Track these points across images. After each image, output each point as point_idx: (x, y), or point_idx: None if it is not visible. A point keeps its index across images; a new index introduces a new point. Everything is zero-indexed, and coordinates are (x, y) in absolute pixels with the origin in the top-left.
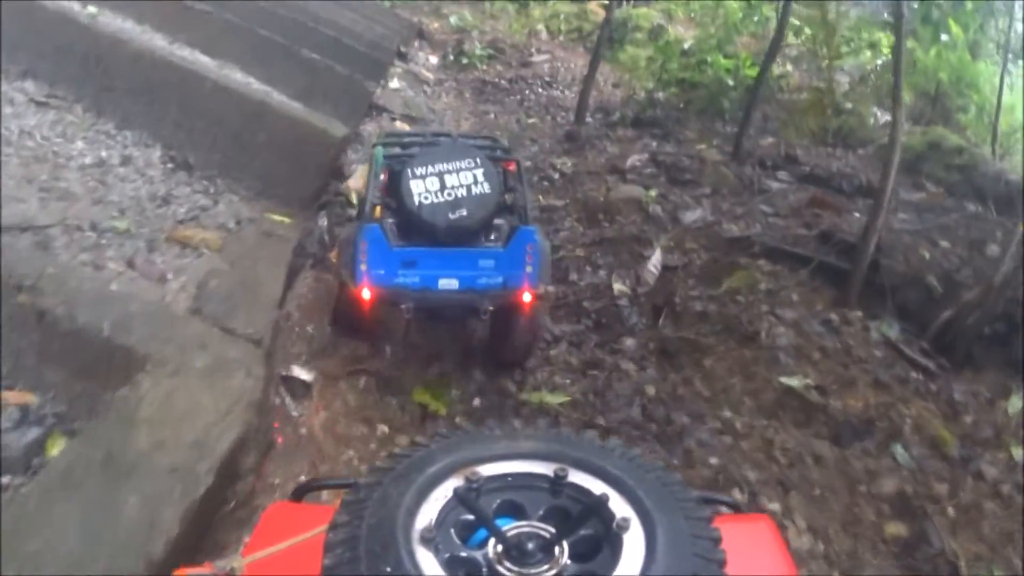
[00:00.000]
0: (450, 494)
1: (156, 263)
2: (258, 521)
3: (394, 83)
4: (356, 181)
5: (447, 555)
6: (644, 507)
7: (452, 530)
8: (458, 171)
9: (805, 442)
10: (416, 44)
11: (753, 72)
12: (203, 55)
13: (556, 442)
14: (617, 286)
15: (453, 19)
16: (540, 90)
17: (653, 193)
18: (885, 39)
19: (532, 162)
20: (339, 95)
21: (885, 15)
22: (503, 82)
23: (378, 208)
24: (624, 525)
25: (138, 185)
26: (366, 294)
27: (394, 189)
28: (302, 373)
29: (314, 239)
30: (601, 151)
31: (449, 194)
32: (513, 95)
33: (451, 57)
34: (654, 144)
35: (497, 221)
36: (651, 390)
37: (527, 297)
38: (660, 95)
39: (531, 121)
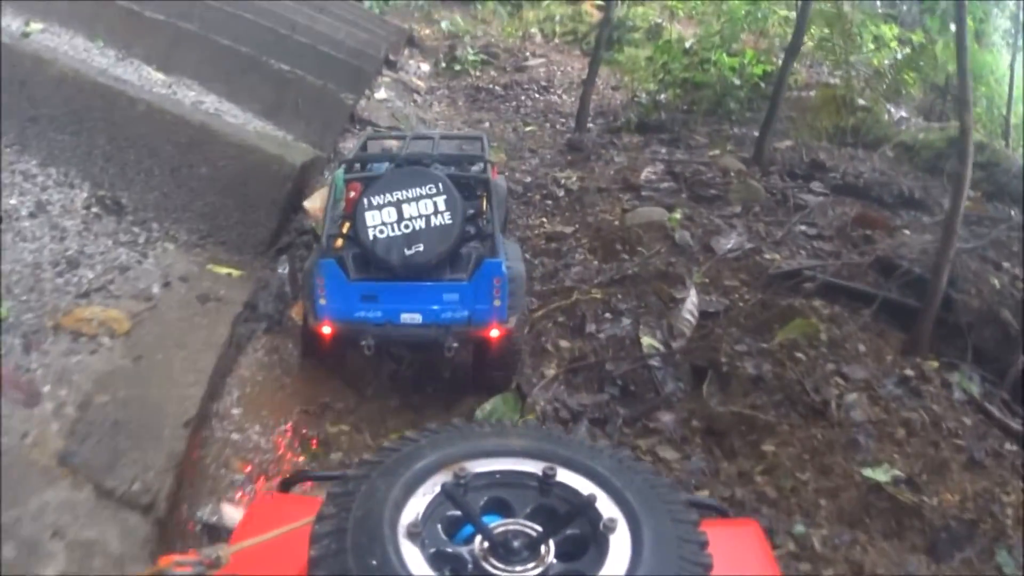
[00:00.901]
0: (438, 489)
1: (32, 369)
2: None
3: (381, 93)
4: (314, 203)
5: (433, 550)
6: (631, 509)
7: (439, 525)
8: (418, 199)
9: (900, 560)
10: (406, 52)
11: (759, 70)
12: (157, 71)
13: (545, 441)
14: (646, 340)
15: (444, 24)
16: (537, 95)
17: (677, 215)
18: (889, 32)
19: (532, 176)
20: (312, 110)
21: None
22: (498, 88)
23: (339, 240)
24: (611, 526)
25: (43, 243)
26: (326, 330)
27: (352, 221)
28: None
29: (270, 293)
30: (608, 162)
31: (406, 226)
32: (508, 101)
33: (443, 64)
34: (663, 151)
35: (464, 250)
36: (700, 489)
37: (495, 333)
38: (662, 96)
39: (529, 129)
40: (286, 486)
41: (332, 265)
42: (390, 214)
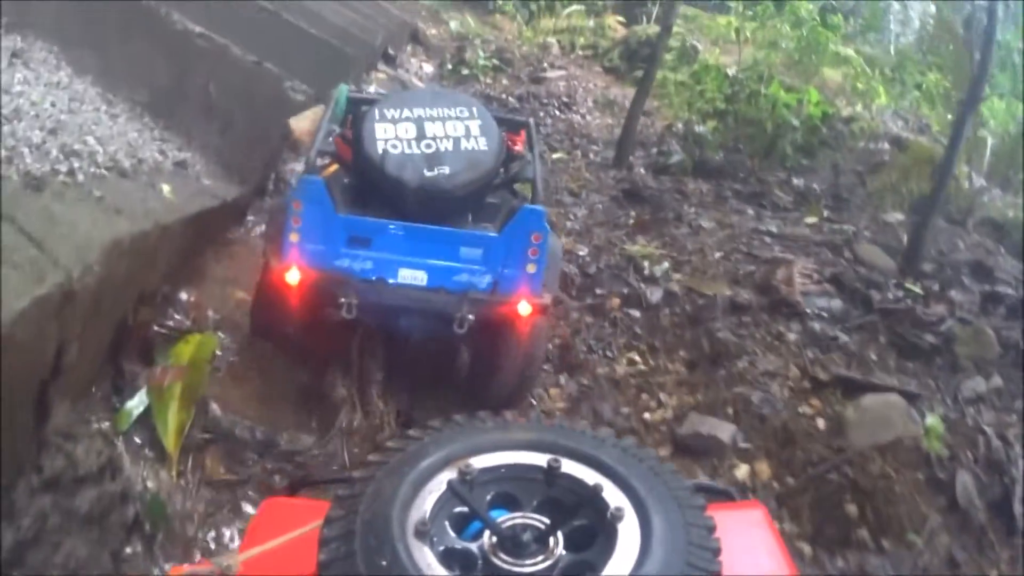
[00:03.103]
0: (444, 487)
1: None
2: (254, 515)
3: (371, 91)
4: (300, 122)
5: (442, 548)
6: (638, 496)
7: (447, 523)
8: (444, 119)
9: None
10: (409, 48)
11: (817, 111)
12: None
13: (549, 433)
14: None
15: (454, 24)
16: (557, 112)
17: (935, 422)
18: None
19: (588, 244)
20: (237, 107)
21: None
22: (511, 99)
23: (332, 165)
24: (618, 515)
25: None
26: (292, 277)
27: (354, 140)
28: None
29: None
30: (694, 228)
31: (428, 145)
32: (525, 116)
33: (449, 66)
34: (749, 210)
35: (491, 200)
36: None
37: (524, 309)
38: (700, 128)
39: (558, 156)
40: (292, 490)
41: (317, 185)
42: (407, 130)
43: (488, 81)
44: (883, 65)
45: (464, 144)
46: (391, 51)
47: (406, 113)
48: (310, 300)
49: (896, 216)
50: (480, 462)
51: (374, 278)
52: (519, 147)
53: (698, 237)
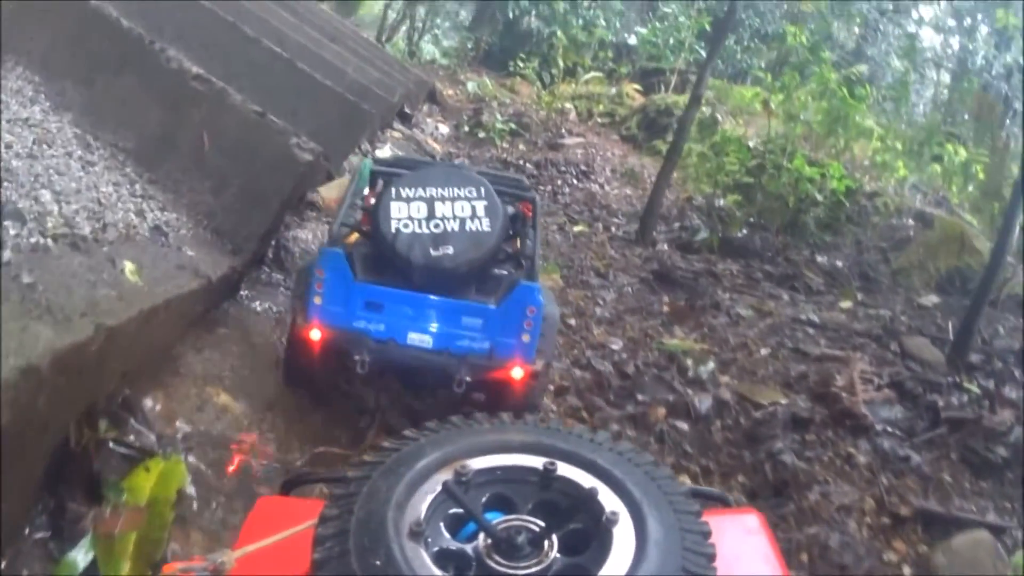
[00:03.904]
0: (439, 488)
1: None
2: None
3: (385, 151)
4: (330, 191)
5: (436, 549)
6: (634, 501)
7: (441, 524)
8: (454, 199)
9: None
10: (425, 108)
11: (841, 186)
12: None
13: (545, 435)
14: None
15: (471, 85)
16: (575, 181)
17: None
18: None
19: (619, 336)
20: (234, 162)
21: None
22: (529, 166)
23: (353, 235)
24: (613, 519)
25: None
26: (315, 335)
27: (372, 215)
28: None
29: None
30: (732, 316)
31: (436, 225)
32: (543, 184)
33: (466, 128)
34: (784, 295)
35: (495, 271)
36: None
37: (518, 373)
38: (721, 202)
39: (579, 229)
40: (287, 489)
41: (338, 257)
42: (419, 209)
43: (505, 145)
44: (902, 137)
45: (469, 225)
46: (408, 110)
47: (419, 192)
48: (329, 355)
49: (931, 299)
50: (476, 464)
51: (386, 339)
52: (530, 214)
53: (738, 328)
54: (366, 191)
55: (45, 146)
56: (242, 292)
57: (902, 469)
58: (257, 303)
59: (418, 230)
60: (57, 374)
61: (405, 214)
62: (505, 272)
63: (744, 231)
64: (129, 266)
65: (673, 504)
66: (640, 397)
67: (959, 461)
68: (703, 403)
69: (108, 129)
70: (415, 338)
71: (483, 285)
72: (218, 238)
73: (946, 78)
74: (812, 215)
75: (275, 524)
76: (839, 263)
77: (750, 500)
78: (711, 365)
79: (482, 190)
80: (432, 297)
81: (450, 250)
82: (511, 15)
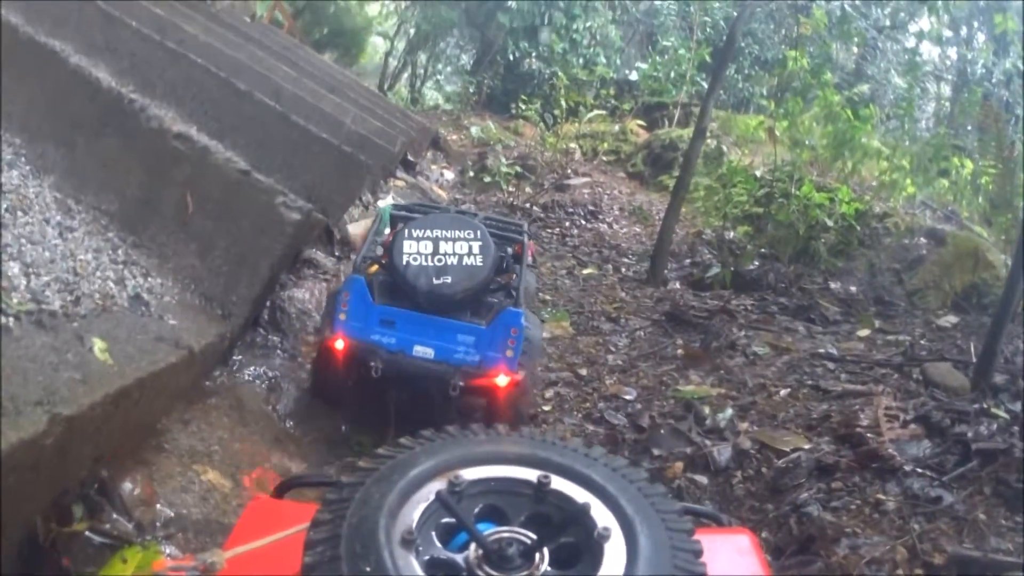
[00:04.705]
0: (432, 497)
1: None
2: (240, 516)
3: (387, 201)
4: (357, 228)
5: (427, 557)
6: (626, 517)
7: (433, 533)
8: (454, 240)
9: None
10: (429, 155)
11: (850, 210)
12: None
13: (541, 448)
14: None
15: (475, 130)
16: (583, 222)
17: None
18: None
19: (633, 383)
20: (220, 222)
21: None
22: (536, 209)
23: (374, 266)
24: (605, 534)
25: None
26: (339, 344)
27: (388, 249)
28: None
29: None
30: (748, 356)
31: (439, 259)
32: (551, 227)
33: (471, 173)
34: (800, 327)
35: (489, 299)
36: None
37: (502, 381)
38: (731, 235)
39: (588, 272)
40: (280, 492)
41: (360, 283)
42: (426, 247)
43: (511, 189)
44: (909, 154)
45: (465, 260)
46: (411, 157)
47: (427, 233)
48: (350, 362)
49: (949, 319)
50: (470, 474)
51: (396, 350)
52: (532, 252)
53: (755, 368)
54: (386, 231)
55: (20, 213)
56: (236, 357)
57: (934, 512)
58: (251, 369)
59: (424, 263)
60: (9, 472)
61: (415, 250)
62: (495, 300)
63: (756, 263)
64: (99, 344)
65: (666, 521)
66: (656, 451)
67: (992, 495)
68: (722, 454)
69: (90, 192)
70: (419, 350)
71: (477, 309)
72: (207, 303)
73: (947, 91)
74: (823, 241)
75: (267, 526)
76: (852, 288)
77: (775, 557)
78: (729, 412)
79: (478, 232)
80: (434, 317)
81: (449, 280)
82: (511, 57)
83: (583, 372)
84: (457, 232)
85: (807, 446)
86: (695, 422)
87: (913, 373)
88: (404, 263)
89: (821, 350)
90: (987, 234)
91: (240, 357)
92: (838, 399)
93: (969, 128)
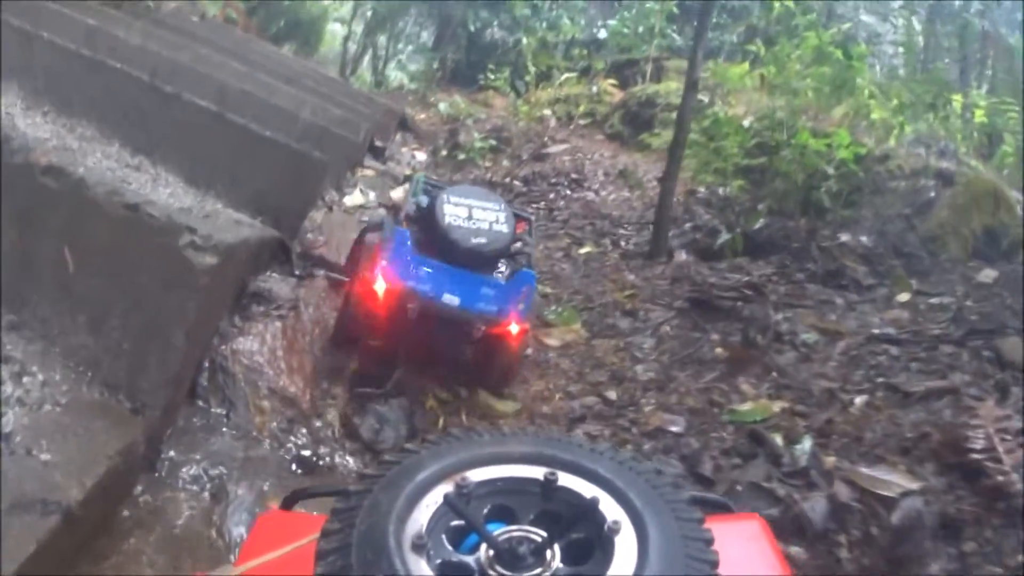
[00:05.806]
0: (440, 500)
1: None
2: (250, 530)
3: (355, 196)
4: (398, 193)
5: (439, 561)
6: (635, 509)
7: (443, 536)
8: (484, 208)
9: None
10: (399, 138)
11: (850, 154)
12: None
13: (546, 446)
14: None
15: (443, 106)
16: (569, 192)
17: None
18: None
19: (681, 405)
20: (119, 294)
21: None
22: (517, 183)
23: (406, 224)
24: (615, 527)
25: None
26: (380, 286)
27: (427, 210)
28: None
29: None
30: (798, 350)
31: (474, 223)
32: (535, 201)
33: (444, 152)
34: (838, 299)
35: (507, 260)
36: None
37: (514, 328)
38: (725, 191)
39: (585, 251)
40: (288, 504)
41: (405, 233)
42: (463, 211)
43: (487, 164)
44: (911, 91)
45: (495, 226)
46: (379, 143)
47: (463, 201)
48: (388, 303)
49: (988, 273)
50: (477, 475)
51: (430, 296)
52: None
53: (812, 366)
54: (422, 196)
55: None
56: (166, 455)
57: None
58: (186, 470)
59: (463, 224)
60: None
61: (454, 213)
62: (513, 261)
63: (762, 221)
64: None
65: (675, 512)
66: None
67: None
68: (816, 509)
69: None
70: (449, 298)
71: (499, 267)
72: (110, 395)
73: (917, 25)
74: (824, 190)
75: (277, 538)
76: (863, 239)
77: None
78: (808, 443)
79: (502, 204)
80: (462, 271)
81: (483, 240)
82: (472, 28)
83: (611, 395)
84: (486, 203)
85: (915, 486)
86: (769, 461)
87: (983, 352)
88: (447, 223)
89: (875, 331)
90: (984, 169)
91: (172, 453)
92: (923, 402)
93: (947, 61)
